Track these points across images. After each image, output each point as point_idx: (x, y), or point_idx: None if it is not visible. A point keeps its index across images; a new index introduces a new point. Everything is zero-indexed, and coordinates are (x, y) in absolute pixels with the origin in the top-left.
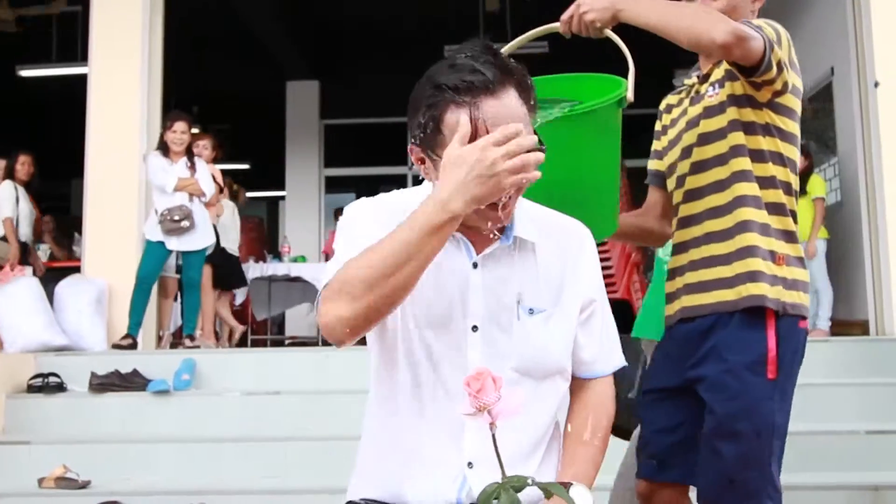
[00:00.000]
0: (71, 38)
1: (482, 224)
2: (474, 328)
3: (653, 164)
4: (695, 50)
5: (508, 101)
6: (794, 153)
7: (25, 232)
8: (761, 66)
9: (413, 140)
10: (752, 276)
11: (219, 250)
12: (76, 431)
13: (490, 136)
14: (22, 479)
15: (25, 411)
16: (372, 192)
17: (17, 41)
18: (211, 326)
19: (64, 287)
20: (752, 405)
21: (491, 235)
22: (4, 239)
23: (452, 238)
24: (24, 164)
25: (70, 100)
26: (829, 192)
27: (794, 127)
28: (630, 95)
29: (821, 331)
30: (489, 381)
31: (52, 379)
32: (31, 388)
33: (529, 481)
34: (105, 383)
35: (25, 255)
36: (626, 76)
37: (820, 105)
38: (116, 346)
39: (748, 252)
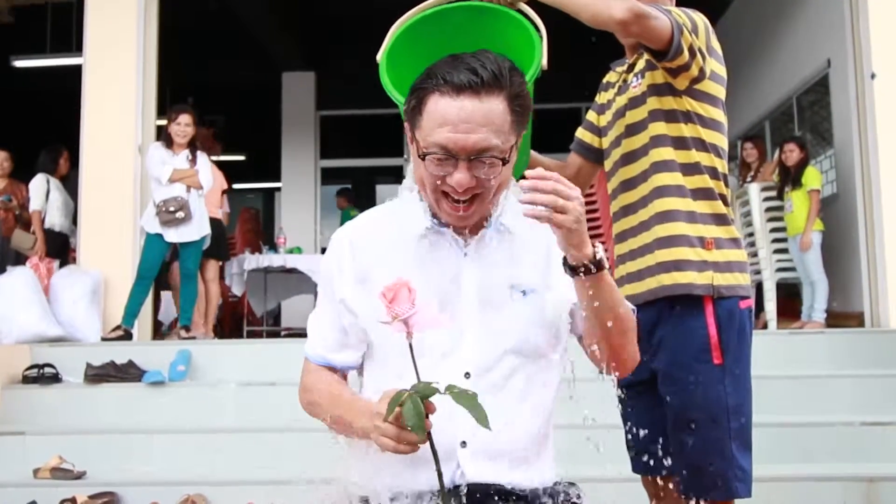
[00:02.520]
0: (65, 29)
1: (447, 218)
2: (468, 315)
3: (581, 133)
4: (596, 26)
5: (491, 106)
6: (717, 139)
7: (60, 222)
8: (670, 48)
9: (405, 116)
10: (678, 265)
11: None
12: (71, 422)
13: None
14: (17, 469)
15: (20, 402)
16: (368, 183)
17: (11, 32)
18: (203, 318)
19: (59, 278)
20: (703, 393)
21: (465, 234)
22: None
23: (441, 234)
24: (66, 160)
25: (64, 91)
26: (825, 183)
27: (716, 113)
28: (545, 63)
29: (816, 323)
30: (403, 292)
31: (47, 370)
32: (27, 379)
33: (437, 384)
34: (100, 374)
35: (66, 246)
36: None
37: (816, 97)
38: (107, 339)
39: (671, 241)
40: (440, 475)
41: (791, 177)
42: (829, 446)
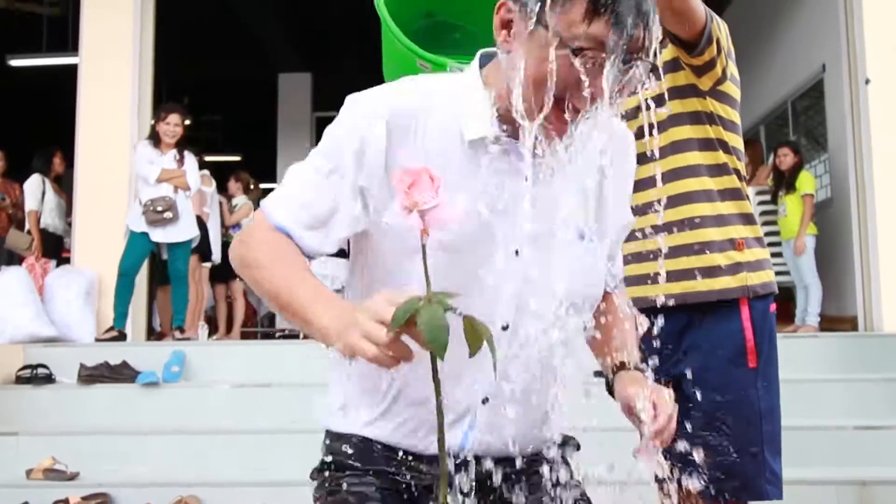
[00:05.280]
0: (62, 28)
1: (547, 131)
2: (516, 253)
3: None
4: None
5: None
6: (737, 141)
7: (54, 223)
8: (702, 38)
9: None
10: (709, 272)
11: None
12: (65, 423)
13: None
14: (10, 470)
15: (13, 403)
16: None
17: (6, 31)
18: (196, 318)
19: (54, 278)
20: (738, 397)
21: (547, 146)
22: (30, 232)
23: (501, 147)
24: (60, 160)
25: (60, 90)
26: (819, 188)
27: (734, 116)
28: None
29: (810, 326)
30: (425, 178)
31: (40, 370)
32: (20, 380)
33: (453, 308)
34: (94, 375)
35: (59, 247)
36: None
37: (811, 102)
38: (101, 340)
39: (700, 248)
40: (440, 413)
41: (785, 181)
42: (823, 450)
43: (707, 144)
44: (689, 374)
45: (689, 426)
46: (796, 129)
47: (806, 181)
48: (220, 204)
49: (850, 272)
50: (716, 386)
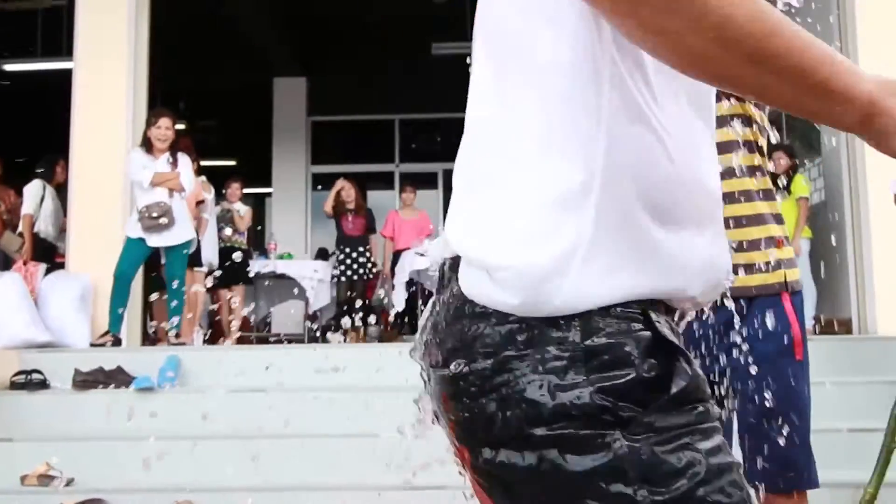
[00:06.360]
0: (56, 33)
1: None
2: None
3: None
4: None
5: None
6: (765, 144)
7: (46, 230)
8: None
9: None
10: (751, 269)
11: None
12: (59, 428)
13: None
14: (4, 476)
15: (8, 408)
16: (359, 189)
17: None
18: (192, 323)
19: (48, 283)
20: (790, 390)
21: None
22: (22, 235)
23: None
24: (63, 169)
25: (54, 95)
26: (814, 191)
27: (766, 121)
28: None
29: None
30: None
31: (35, 376)
32: (14, 385)
33: None
34: (89, 380)
35: (51, 252)
36: None
37: None
38: (95, 346)
39: (745, 245)
40: None
41: (780, 184)
42: (817, 453)
43: (748, 146)
44: (740, 368)
45: (741, 419)
46: (790, 133)
47: (800, 185)
48: (231, 211)
49: (845, 275)
50: (768, 380)
